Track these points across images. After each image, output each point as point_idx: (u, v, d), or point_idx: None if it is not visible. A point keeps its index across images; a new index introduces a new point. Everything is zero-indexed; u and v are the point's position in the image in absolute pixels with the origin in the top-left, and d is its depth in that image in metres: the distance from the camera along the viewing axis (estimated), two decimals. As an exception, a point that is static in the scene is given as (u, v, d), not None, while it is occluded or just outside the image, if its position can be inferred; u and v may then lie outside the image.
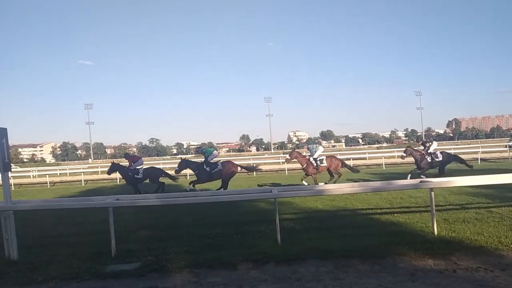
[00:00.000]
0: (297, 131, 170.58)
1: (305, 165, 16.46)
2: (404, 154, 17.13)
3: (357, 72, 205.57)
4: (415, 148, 17.48)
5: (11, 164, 7.07)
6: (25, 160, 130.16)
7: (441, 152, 16.75)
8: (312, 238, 6.81)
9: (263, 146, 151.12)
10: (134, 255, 6.25)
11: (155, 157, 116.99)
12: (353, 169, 17.93)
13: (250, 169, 18.35)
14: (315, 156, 16.56)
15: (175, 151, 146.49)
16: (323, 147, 19.08)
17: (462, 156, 18.77)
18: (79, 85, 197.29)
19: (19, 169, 46.25)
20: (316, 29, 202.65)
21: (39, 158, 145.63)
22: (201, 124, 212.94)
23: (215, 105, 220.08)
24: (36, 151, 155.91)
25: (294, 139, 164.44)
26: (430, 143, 17.18)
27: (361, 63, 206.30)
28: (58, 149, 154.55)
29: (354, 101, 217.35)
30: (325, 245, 6.15)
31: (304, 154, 18.29)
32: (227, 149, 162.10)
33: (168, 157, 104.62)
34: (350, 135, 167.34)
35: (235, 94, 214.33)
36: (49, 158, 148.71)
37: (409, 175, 15.31)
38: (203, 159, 16.12)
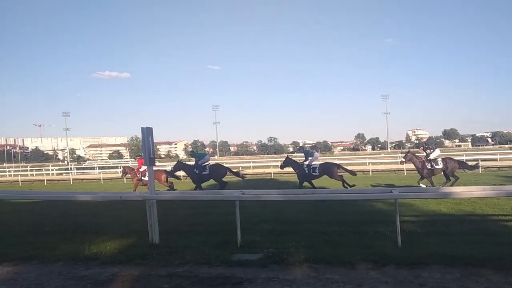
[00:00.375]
0: (416, 129, 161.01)
1: (420, 166, 15.48)
2: (403, 160, 16.51)
3: (486, 67, 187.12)
4: (416, 154, 16.77)
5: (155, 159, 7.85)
6: (162, 156, 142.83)
7: (443, 159, 15.68)
8: (436, 242, 6.38)
9: (379, 145, 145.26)
10: (257, 246, 6.52)
11: (273, 155, 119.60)
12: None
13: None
14: (431, 157, 15.52)
15: (291, 149, 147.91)
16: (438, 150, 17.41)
17: None
18: (207, 88, 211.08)
19: (157, 163, 50.79)
20: (436, 24, 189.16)
21: (174, 154, 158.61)
22: (316, 123, 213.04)
23: (331, 104, 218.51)
24: (171, 148, 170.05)
25: (413, 138, 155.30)
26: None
27: (491, 57, 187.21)
28: (190, 146, 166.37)
29: (481, 98, 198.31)
30: (450, 251, 5.72)
31: (418, 155, 17.15)
32: (342, 148, 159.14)
33: (285, 155, 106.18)
34: (477, 134, 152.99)
35: (351, 92, 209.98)
36: (182, 154, 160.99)
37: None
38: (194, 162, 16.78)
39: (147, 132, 7.13)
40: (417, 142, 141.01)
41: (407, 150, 18.36)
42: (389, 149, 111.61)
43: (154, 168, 18.61)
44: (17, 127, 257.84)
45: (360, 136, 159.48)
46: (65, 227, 9.13)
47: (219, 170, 16.85)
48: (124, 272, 5.46)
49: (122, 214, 10.64)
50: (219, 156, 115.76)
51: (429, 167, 15.49)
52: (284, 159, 17.32)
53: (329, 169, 16.00)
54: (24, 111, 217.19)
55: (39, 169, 46.42)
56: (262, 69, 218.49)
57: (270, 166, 31.05)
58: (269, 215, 9.57)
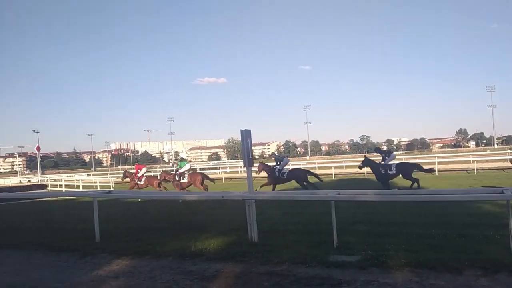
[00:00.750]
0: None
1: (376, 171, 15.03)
2: (361, 164, 16.63)
3: None
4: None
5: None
6: (256, 157, 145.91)
7: (396, 165, 15.86)
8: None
9: (484, 141, 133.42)
10: (354, 247, 6.33)
11: (366, 154, 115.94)
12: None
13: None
14: (386, 162, 15.44)
15: (385, 147, 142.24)
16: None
17: None
18: (299, 88, 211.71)
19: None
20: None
21: (267, 155, 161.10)
22: (412, 120, 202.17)
23: (428, 98, 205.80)
24: (264, 149, 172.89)
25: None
26: (386, 154, 16.36)
27: None
28: (282, 146, 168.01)
29: None
30: None
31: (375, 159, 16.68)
32: (441, 145, 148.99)
33: (376, 154, 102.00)
34: None
35: (451, 84, 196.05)
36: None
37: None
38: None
39: (246, 134, 7.31)
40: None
41: (363, 155, 17.99)
42: (495, 145, 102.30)
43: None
44: (129, 133, 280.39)
45: (462, 132, 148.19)
46: (172, 224, 9.71)
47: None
48: (227, 269, 5.64)
49: (222, 213, 11.03)
50: (311, 156, 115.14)
51: (383, 172, 15.68)
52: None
53: (406, 169, 15.79)
54: (135, 118, 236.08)
55: (148, 171, 49.98)
56: (353, 66, 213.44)
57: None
58: (365, 216, 9.28)
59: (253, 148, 7.74)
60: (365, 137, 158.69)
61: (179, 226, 9.34)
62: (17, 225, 11.01)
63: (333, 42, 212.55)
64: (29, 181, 40.82)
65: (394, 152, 17.15)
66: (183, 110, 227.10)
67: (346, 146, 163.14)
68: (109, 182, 34.57)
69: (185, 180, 17.96)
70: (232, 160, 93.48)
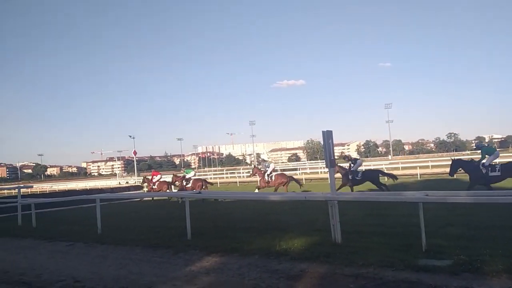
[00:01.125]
0: None
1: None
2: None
3: None
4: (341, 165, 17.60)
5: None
6: (336, 157, 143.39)
7: (363, 172, 16.95)
8: None
9: None
10: (444, 251, 5.94)
11: (454, 153, 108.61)
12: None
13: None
14: (353, 168, 15.61)
15: (474, 145, 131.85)
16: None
17: None
18: (379, 86, 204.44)
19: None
20: None
21: (347, 155, 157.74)
22: (507, 115, 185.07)
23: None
24: (344, 149, 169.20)
25: None
26: (352, 161, 17.45)
27: None
28: (362, 146, 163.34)
29: None
30: None
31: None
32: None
33: (468, 152, 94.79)
34: None
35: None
36: (354, 155, 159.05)
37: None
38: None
39: (327, 135, 7.21)
40: None
41: (450, 158, 16.29)
42: None
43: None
44: (214, 136, 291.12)
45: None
46: (257, 223, 9.88)
47: (372, 174, 17.39)
48: (312, 269, 5.60)
49: (304, 214, 10.99)
50: (393, 155, 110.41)
51: (350, 177, 16.50)
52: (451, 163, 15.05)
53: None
54: (220, 122, 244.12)
55: (232, 172, 51.44)
56: (436, 62, 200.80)
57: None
58: (456, 218, 8.68)
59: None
60: (452, 134, 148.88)
61: (263, 225, 9.47)
62: (119, 223, 11.89)
63: (414, 37, 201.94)
64: (127, 182, 44.02)
65: (192, 172, 21.79)
66: (264, 113, 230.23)
67: (432, 145, 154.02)
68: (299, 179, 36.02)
69: (190, 185, 20.37)
70: (312, 161, 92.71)
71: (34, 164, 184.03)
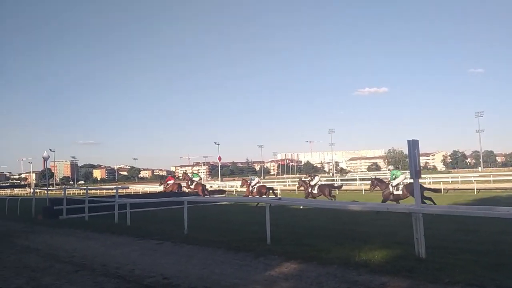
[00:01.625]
0: None
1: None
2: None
3: None
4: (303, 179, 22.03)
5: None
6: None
7: (319, 186, 20.04)
8: None
9: None
10: (543, 274, 5.36)
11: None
12: None
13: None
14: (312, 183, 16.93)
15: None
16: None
17: None
18: (469, 93, 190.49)
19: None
20: None
21: (431, 166, 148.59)
22: None
23: None
24: (428, 159, 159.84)
25: None
26: (311, 177, 21.36)
27: None
28: (449, 157, 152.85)
29: None
30: None
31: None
32: None
33: None
34: None
35: None
36: (440, 166, 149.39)
37: None
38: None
39: (413, 144, 6.87)
40: None
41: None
42: None
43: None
44: (294, 144, 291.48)
45: None
46: (335, 232, 9.69)
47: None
48: (393, 283, 5.34)
49: (385, 225, 10.56)
50: (483, 167, 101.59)
51: (309, 191, 19.63)
52: None
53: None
54: (299, 130, 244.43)
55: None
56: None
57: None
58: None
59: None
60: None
61: (342, 235, 9.26)
62: (203, 224, 12.38)
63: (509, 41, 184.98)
64: (211, 186, 45.55)
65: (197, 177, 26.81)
66: (344, 121, 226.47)
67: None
68: (276, 189, 36.29)
69: (192, 187, 25.84)
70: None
71: (129, 167, 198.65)
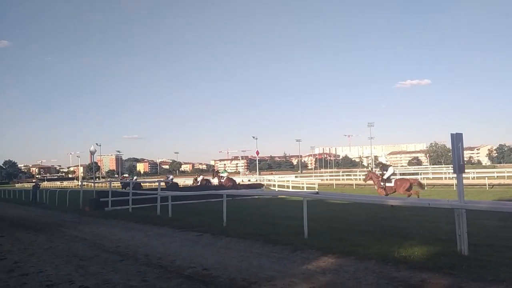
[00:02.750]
0: None
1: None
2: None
3: None
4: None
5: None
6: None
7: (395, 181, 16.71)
8: None
9: None
10: None
11: None
12: None
13: None
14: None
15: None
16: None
17: None
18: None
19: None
20: None
21: (476, 161, 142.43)
22: None
23: None
24: (473, 153, 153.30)
25: None
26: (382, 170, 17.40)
27: None
28: (494, 151, 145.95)
29: None
30: None
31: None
32: None
33: None
34: None
35: None
36: (484, 161, 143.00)
37: None
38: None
39: (457, 138, 6.61)
40: None
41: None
42: None
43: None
44: (332, 138, 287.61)
45: None
46: (374, 228, 9.50)
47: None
48: (433, 280, 5.18)
49: (426, 221, 10.24)
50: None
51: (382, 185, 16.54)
52: None
53: None
54: (338, 124, 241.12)
55: (348, 174, 50.22)
56: None
57: None
58: None
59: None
60: None
61: (381, 230, 9.07)
62: (241, 217, 12.50)
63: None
64: (249, 180, 45.83)
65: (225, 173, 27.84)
66: (384, 115, 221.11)
67: None
68: (314, 184, 36.06)
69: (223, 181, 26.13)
70: (435, 166, 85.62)
71: (171, 161, 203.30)
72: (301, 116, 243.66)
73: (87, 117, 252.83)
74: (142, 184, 33.66)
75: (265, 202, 20.40)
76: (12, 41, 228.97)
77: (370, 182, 18.13)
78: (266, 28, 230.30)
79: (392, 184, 16.59)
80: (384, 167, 17.31)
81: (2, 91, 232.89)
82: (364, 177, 19.97)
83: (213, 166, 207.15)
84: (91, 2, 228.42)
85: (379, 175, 17.49)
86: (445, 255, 6.27)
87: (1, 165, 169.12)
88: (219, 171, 30.03)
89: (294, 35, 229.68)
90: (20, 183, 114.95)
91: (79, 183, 44.33)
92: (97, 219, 14.60)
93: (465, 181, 15.88)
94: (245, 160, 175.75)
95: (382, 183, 16.74)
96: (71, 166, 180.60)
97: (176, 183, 28.59)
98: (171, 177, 32.58)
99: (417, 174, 44.05)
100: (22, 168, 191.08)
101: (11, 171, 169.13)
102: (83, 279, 5.93)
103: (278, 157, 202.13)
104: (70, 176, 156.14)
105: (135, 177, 33.76)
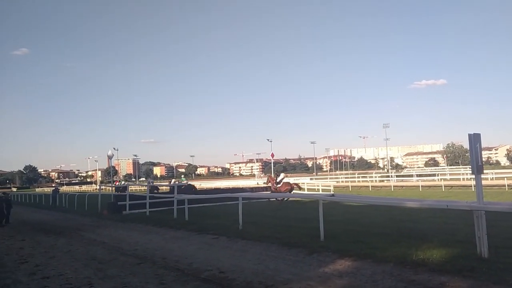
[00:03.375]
0: None
1: None
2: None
3: None
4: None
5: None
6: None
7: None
8: None
9: None
10: None
11: None
12: None
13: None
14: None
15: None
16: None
17: None
18: None
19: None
20: None
21: (494, 161, 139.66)
22: None
23: None
24: (491, 154, 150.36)
25: None
26: (277, 174, 25.35)
27: None
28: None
29: None
30: None
31: None
32: None
33: None
34: None
35: None
36: (503, 161, 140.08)
37: None
38: None
39: (475, 138, 6.48)
40: None
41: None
42: None
43: (285, 181, 22.11)
44: (346, 139, 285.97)
45: None
46: (391, 230, 9.38)
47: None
48: (453, 283, 5.07)
49: (444, 223, 10.08)
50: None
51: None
52: None
53: None
54: (352, 126, 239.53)
55: (364, 176, 49.73)
56: None
57: None
58: None
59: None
60: None
61: (398, 232, 8.95)
62: (257, 220, 12.47)
63: None
64: (264, 183, 45.79)
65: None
66: (399, 115, 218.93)
67: None
68: (329, 186, 35.82)
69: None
70: (452, 167, 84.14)
71: (187, 164, 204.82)
72: (316, 118, 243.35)
73: (105, 122, 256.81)
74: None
75: (280, 205, 20.33)
76: (31, 48, 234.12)
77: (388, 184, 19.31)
78: (279, 29, 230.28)
79: (280, 185, 22.77)
80: (278, 174, 25.20)
81: (23, 97, 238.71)
82: (266, 179, 26.42)
83: (228, 169, 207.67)
84: (109, 4, 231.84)
85: (275, 179, 23.71)
86: (464, 257, 6.14)
87: (22, 170, 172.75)
88: (277, 175, 26.84)
89: (308, 36, 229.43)
90: (40, 187, 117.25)
91: (98, 187, 44.91)
92: (115, 222, 14.76)
93: (483, 182, 15.59)
94: (260, 163, 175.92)
95: (276, 185, 22.78)
96: (89, 171, 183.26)
97: (191, 185, 28.43)
98: (185, 180, 32.58)
99: (434, 175, 43.42)
100: (42, 172, 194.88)
101: (31, 175, 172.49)
102: (102, 282, 5.99)
103: (293, 159, 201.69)
104: (88, 180, 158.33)
105: (184, 180, 32.43)
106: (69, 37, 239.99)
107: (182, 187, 25.82)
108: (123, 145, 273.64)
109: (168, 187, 25.27)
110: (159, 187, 28.45)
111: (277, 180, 23.55)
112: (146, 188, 25.47)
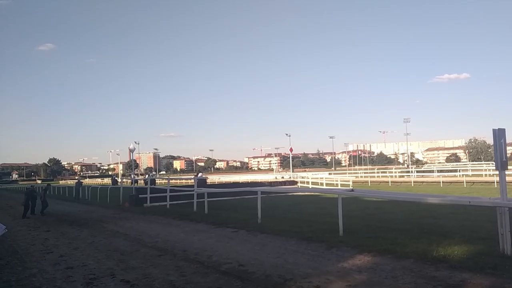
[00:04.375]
0: None
1: None
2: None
3: None
4: None
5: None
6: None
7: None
8: None
9: None
10: None
11: None
12: None
13: None
14: None
15: None
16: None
17: None
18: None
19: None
20: None
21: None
22: None
23: None
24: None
25: None
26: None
27: None
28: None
29: None
30: None
31: None
32: None
33: None
34: None
35: None
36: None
37: None
38: None
39: (499, 134, 6.33)
40: None
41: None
42: None
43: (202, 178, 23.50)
44: (366, 134, 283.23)
45: None
46: (411, 226, 9.28)
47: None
48: (475, 280, 4.99)
49: (466, 219, 9.90)
50: None
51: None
52: None
53: None
54: (372, 120, 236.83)
55: (384, 171, 49.16)
56: None
57: None
58: None
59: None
60: None
61: (418, 228, 8.84)
62: (276, 214, 12.50)
63: None
64: (283, 177, 45.76)
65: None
66: (420, 110, 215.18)
67: None
68: (348, 181, 35.57)
69: None
70: (474, 162, 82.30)
71: (206, 158, 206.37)
72: (335, 113, 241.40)
73: (127, 116, 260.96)
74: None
75: (299, 199, 20.31)
76: (56, 44, 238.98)
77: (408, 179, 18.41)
78: (296, 24, 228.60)
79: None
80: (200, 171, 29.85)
81: (48, 92, 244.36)
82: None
83: (247, 163, 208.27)
84: (134, 3, 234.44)
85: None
86: (486, 254, 6.03)
87: (46, 163, 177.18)
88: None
89: (327, 29, 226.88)
90: (64, 180, 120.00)
91: (119, 180, 45.69)
92: (137, 215, 15.01)
93: (507, 178, 15.21)
94: (278, 157, 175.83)
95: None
96: (111, 164, 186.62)
97: (204, 179, 28.83)
98: (200, 174, 33.41)
99: (455, 171, 42.60)
100: (66, 165, 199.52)
101: (55, 168, 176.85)
102: (124, 273, 6.11)
103: (311, 154, 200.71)
104: (110, 173, 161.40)
105: (200, 174, 33.86)
106: (93, 33, 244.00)
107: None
108: (144, 139, 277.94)
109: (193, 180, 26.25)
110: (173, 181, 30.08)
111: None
112: (166, 181, 26.58)
